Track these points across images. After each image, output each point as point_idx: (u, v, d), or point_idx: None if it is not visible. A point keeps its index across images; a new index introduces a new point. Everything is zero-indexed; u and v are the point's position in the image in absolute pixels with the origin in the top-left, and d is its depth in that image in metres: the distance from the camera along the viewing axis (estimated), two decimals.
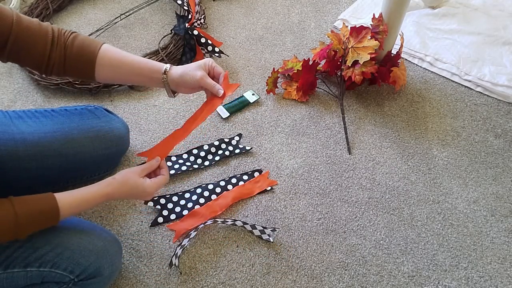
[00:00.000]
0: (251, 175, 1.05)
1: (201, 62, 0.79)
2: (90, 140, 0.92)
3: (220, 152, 1.10)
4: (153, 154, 0.85)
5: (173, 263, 0.88)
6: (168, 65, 0.79)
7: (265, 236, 0.94)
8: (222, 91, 0.79)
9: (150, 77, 0.79)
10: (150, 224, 0.97)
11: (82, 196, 0.75)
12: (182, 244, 0.91)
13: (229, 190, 1.02)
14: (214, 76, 0.81)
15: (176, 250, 0.89)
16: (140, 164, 1.07)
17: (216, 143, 1.11)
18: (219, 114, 1.18)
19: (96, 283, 0.77)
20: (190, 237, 0.92)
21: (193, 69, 0.78)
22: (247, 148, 1.10)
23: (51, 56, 0.74)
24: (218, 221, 0.94)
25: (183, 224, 0.97)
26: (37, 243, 0.72)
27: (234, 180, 1.04)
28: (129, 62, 0.79)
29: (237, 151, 1.10)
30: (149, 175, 0.83)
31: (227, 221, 0.94)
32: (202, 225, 0.95)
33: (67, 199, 0.72)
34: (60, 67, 0.76)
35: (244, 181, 1.04)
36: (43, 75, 0.77)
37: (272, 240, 0.94)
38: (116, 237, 0.85)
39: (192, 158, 1.08)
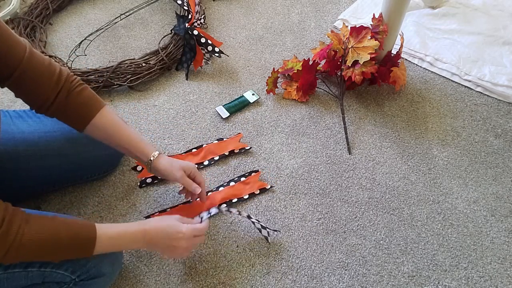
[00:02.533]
0: (248, 177, 1.05)
1: (184, 165, 0.87)
2: (90, 139, 0.92)
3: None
4: None
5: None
6: (156, 154, 0.85)
7: (264, 232, 0.93)
8: (199, 189, 0.88)
9: (137, 156, 0.85)
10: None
11: (120, 230, 0.75)
12: None
13: (218, 191, 1.02)
14: (194, 181, 0.89)
15: None
16: (133, 167, 1.07)
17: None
18: (219, 114, 1.18)
19: (97, 283, 0.77)
20: None
21: (175, 169, 0.85)
22: (247, 148, 1.11)
23: (51, 99, 0.74)
24: (222, 209, 0.91)
25: None
26: None
27: (232, 184, 1.04)
28: (121, 136, 0.83)
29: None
30: None
31: (231, 210, 0.91)
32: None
33: (106, 231, 0.72)
34: (55, 113, 0.77)
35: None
36: (34, 111, 0.78)
37: (269, 240, 0.94)
38: None
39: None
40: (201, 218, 0.86)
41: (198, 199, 0.93)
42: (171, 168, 0.85)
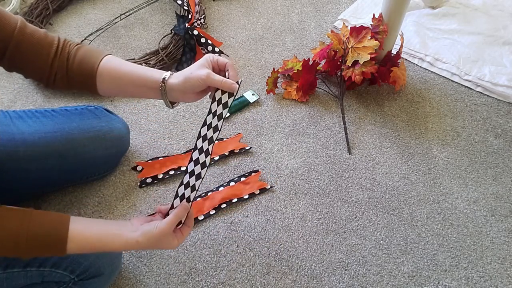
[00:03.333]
0: (247, 177, 1.05)
1: (202, 60, 0.69)
2: (90, 140, 0.92)
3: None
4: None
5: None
6: (168, 73, 0.70)
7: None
8: (236, 86, 0.68)
9: (151, 87, 0.71)
10: None
11: (97, 224, 0.68)
12: None
13: (218, 191, 1.02)
14: (220, 70, 0.71)
15: None
16: (133, 167, 1.07)
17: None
18: None
19: (96, 283, 0.77)
20: None
21: (196, 69, 0.68)
22: (247, 148, 1.10)
23: (53, 67, 0.70)
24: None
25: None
26: None
27: (232, 184, 1.04)
28: (128, 72, 0.72)
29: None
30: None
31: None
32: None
33: (81, 231, 0.65)
34: (63, 79, 0.72)
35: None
36: (48, 87, 0.72)
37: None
38: None
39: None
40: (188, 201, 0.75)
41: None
42: (191, 72, 0.68)
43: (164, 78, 0.69)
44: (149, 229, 0.67)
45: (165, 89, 0.70)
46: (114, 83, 0.72)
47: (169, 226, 0.69)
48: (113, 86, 0.73)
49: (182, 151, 1.11)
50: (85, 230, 0.65)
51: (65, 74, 0.71)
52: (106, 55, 0.73)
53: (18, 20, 0.69)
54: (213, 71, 0.69)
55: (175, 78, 0.69)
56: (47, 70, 0.71)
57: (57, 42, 0.72)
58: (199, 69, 0.67)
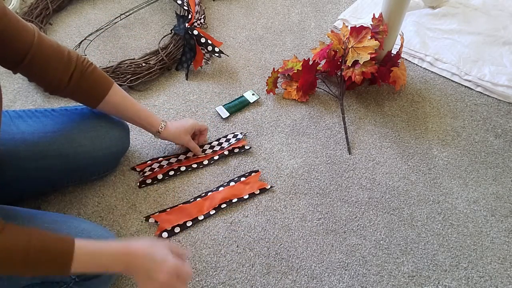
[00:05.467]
0: (247, 176, 1.05)
1: (188, 127, 1.02)
2: (90, 140, 0.92)
3: (218, 147, 1.10)
4: (162, 219, 0.97)
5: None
6: (163, 125, 0.97)
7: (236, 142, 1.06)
8: (202, 154, 1.08)
9: (147, 128, 0.97)
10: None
11: (100, 246, 0.68)
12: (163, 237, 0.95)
13: (218, 191, 1.02)
14: (200, 132, 1.08)
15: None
16: (133, 167, 1.07)
17: (215, 143, 1.12)
18: (219, 114, 1.18)
19: (97, 283, 0.77)
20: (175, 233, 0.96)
21: (183, 134, 1.01)
22: (246, 147, 1.10)
23: (65, 79, 0.79)
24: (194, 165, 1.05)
25: (168, 216, 0.97)
26: None
27: (232, 184, 1.04)
28: (132, 110, 0.93)
29: (233, 140, 1.11)
30: None
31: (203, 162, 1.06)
32: (190, 223, 0.97)
33: (85, 247, 0.66)
34: (70, 91, 0.83)
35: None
36: (50, 94, 0.83)
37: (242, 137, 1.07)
38: (116, 237, 0.85)
39: (190, 155, 1.09)
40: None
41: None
42: (178, 134, 1.00)
43: (161, 128, 0.97)
44: (147, 242, 0.73)
45: (159, 135, 0.99)
46: (116, 112, 0.93)
47: (166, 247, 0.74)
48: (114, 113, 0.94)
49: (182, 151, 1.10)
50: (88, 245, 0.67)
51: (76, 88, 0.82)
52: (113, 84, 0.88)
53: (35, 31, 0.74)
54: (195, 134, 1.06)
55: (167, 130, 0.98)
56: (58, 80, 0.79)
57: (69, 55, 0.80)
58: (184, 135, 1.02)
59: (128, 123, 0.99)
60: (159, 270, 0.69)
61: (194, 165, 1.07)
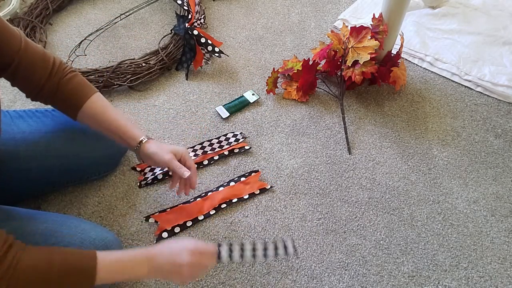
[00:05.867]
0: (247, 176, 1.05)
1: (174, 149, 0.84)
2: (90, 140, 0.92)
3: (217, 147, 1.10)
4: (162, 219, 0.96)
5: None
6: (145, 138, 0.83)
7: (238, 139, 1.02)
8: (188, 173, 0.83)
9: (126, 141, 0.83)
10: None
11: (122, 255, 0.69)
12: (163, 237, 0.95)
13: (218, 191, 1.02)
14: (184, 165, 0.85)
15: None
16: (133, 167, 1.07)
17: (215, 141, 1.12)
18: (219, 114, 1.18)
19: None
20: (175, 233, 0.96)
21: (165, 152, 0.82)
22: (246, 147, 1.10)
23: (44, 87, 0.77)
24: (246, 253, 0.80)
25: (168, 216, 0.97)
26: (38, 243, 0.72)
27: (232, 184, 1.04)
28: (110, 121, 0.82)
29: (233, 139, 1.11)
30: None
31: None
32: (190, 223, 0.97)
33: (107, 259, 0.66)
34: (48, 99, 0.79)
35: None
36: (32, 100, 0.81)
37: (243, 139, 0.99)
38: (116, 237, 0.85)
39: (192, 155, 1.09)
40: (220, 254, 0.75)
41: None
42: (160, 151, 0.82)
43: (141, 141, 0.83)
44: (167, 243, 0.73)
45: (138, 149, 0.83)
46: (94, 123, 0.82)
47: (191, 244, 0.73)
48: (93, 124, 0.83)
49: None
50: (110, 255, 0.67)
51: (52, 96, 0.79)
52: (94, 94, 0.81)
53: (21, 38, 0.74)
54: (179, 161, 0.84)
55: (148, 146, 0.82)
56: (37, 89, 0.77)
57: (52, 64, 0.77)
58: (166, 153, 0.82)
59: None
60: (182, 256, 0.70)
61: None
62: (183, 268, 0.69)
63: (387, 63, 1.18)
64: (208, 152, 1.09)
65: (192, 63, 1.29)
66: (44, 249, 0.63)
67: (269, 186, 1.03)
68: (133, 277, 0.77)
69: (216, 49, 1.26)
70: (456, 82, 1.27)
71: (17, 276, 0.57)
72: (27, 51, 0.73)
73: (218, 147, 1.10)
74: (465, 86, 1.26)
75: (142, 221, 0.98)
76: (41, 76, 0.76)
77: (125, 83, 1.22)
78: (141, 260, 0.69)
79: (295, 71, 1.22)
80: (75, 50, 1.34)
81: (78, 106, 0.79)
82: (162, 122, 1.18)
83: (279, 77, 1.24)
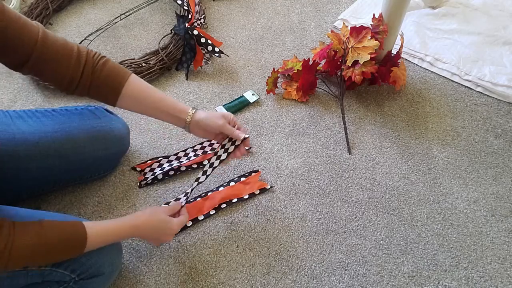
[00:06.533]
0: (248, 177, 1.05)
1: (225, 113, 0.85)
2: (90, 140, 0.92)
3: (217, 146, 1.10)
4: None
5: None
6: (193, 109, 0.83)
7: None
8: (243, 136, 0.84)
9: (175, 116, 0.82)
10: None
11: (110, 226, 0.76)
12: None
13: (218, 191, 1.02)
14: (234, 127, 0.87)
15: None
16: (133, 167, 1.07)
17: (214, 141, 1.12)
18: None
19: (97, 282, 0.77)
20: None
21: (217, 117, 0.83)
22: (246, 147, 1.10)
23: (75, 76, 0.74)
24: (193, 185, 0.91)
25: None
26: None
27: (232, 184, 1.04)
28: (155, 97, 0.81)
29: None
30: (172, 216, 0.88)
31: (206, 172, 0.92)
32: (190, 223, 0.97)
33: (95, 228, 0.73)
34: (84, 89, 0.76)
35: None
36: (66, 93, 0.79)
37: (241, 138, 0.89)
38: None
39: (191, 155, 1.09)
40: (181, 202, 0.91)
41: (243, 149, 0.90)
42: (212, 117, 0.83)
43: (190, 115, 0.82)
44: (147, 209, 0.84)
45: (190, 121, 0.83)
46: (137, 103, 0.81)
47: (160, 208, 0.85)
48: (136, 105, 0.81)
49: (180, 150, 1.10)
50: (98, 226, 0.74)
51: (89, 84, 0.76)
52: (130, 75, 0.79)
53: (39, 29, 0.71)
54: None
55: (198, 114, 0.83)
56: (69, 78, 0.74)
57: (79, 52, 0.75)
58: (218, 118, 0.83)
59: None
60: (167, 234, 0.85)
61: (194, 166, 1.07)
62: (164, 240, 0.88)
63: (387, 63, 1.18)
64: (208, 152, 1.09)
65: (192, 63, 1.29)
66: (35, 224, 0.66)
67: (269, 186, 1.03)
68: (117, 241, 0.85)
69: (216, 49, 1.26)
70: (456, 82, 1.27)
71: (13, 254, 0.61)
72: (46, 43, 0.71)
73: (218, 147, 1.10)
74: (465, 86, 1.26)
75: None
76: (68, 66, 0.73)
77: None
78: (125, 230, 0.78)
79: (295, 71, 1.22)
80: None
81: (118, 91, 0.78)
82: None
83: (279, 77, 1.24)
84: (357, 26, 1.14)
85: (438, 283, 0.89)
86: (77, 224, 0.71)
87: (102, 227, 0.75)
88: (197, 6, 1.39)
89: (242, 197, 1.01)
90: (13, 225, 0.63)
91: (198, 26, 1.36)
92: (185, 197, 0.91)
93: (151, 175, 1.04)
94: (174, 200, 0.99)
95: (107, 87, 0.77)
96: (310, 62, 1.20)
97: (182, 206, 0.90)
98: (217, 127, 0.83)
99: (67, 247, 0.69)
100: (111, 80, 0.77)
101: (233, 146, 0.87)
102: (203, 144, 1.11)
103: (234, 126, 0.86)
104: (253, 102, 1.22)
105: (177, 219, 0.86)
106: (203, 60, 1.30)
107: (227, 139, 0.87)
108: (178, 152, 1.09)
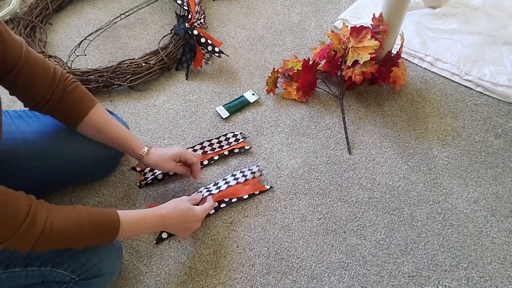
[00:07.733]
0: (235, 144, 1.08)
1: (173, 154, 0.92)
2: (90, 140, 0.92)
3: (217, 147, 1.10)
4: None
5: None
6: (145, 150, 0.90)
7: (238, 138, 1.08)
8: (194, 174, 0.97)
9: (128, 152, 0.91)
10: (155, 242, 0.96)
11: (139, 216, 0.78)
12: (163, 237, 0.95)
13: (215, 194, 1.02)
14: (185, 163, 0.97)
15: None
16: (133, 167, 1.07)
17: (215, 141, 1.12)
18: (219, 114, 1.18)
19: (97, 283, 0.77)
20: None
21: (166, 162, 0.91)
22: (246, 147, 1.10)
23: (46, 97, 0.78)
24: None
25: None
26: None
27: (232, 179, 1.04)
28: (112, 132, 0.88)
29: (233, 139, 1.12)
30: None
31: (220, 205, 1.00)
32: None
33: (127, 217, 0.75)
34: (50, 109, 0.81)
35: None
36: (31, 109, 0.83)
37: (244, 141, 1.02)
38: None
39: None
40: (202, 194, 0.97)
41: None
42: (161, 163, 0.91)
43: (142, 153, 0.90)
44: (171, 201, 0.87)
45: (142, 160, 0.91)
46: (96, 133, 0.88)
47: (183, 198, 0.89)
48: (95, 135, 0.89)
49: None
50: (130, 216, 0.76)
51: (56, 105, 0.80)
52: (95, 104, 0.85)
53: (23, 46, 0.74)
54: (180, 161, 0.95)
55: (150, 157, 0.90)
56: (40, 97, 0.78)
57: (53, 74, 0.78)
58: (168, 162, 0.92)
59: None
60: (193, 221, 0.87)
61: None
62: (191, 229, 0.88)
63: (387, 63, 1.18)
64: (208, 152, 1.09)
65: (192, 63, 1.29)
66: (71, 209, 0.68)
67: (268, 187, 1.03)
68: (145, 233, 0.95)
69: (216, 49, 1.26)
70: (456, 82, 1.27)
71: (52, 237, 0.64)
72: (28, 60, 0.74)
73: (218, 147, 1.10)
74: (465, 86, 1.26)
75: None
76: (42, 85, 0.77)
77: (125, 83, 1.22)
78: (152, 220, 0.80)
79: (295, 71, 1.22)
80: (75, 50, 1.34)
81: (81, 116, 0.83)
82: (162, 122, 1.18)
83: (279, 77, 1.24)
84: (357, 26, 1.14)
85: (438, 283, 0.89)
86: (112, 212, 0.73)
87: (133, 216, 0.77)
88: (197, 6, 1.39)
89: (242, 197, 1.01)
90: (52, 210, 0.65)
91: (198, 26, 1.36)
92: (206, 190, 0.98)
93: (151, 175, 1.04)
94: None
95: (72, 112, 0.83)
96: (310, 62, 1.20)
97: (202, 198, 0.95)
98: (167, 171, 0.98)
99: (99, 234, 0.71)
100: (77, 106, 0.82)
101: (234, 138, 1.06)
102: (203, 144, 1.11)
103: (184, 160, 0.95)
104: (253, 102, 1.22)
105: (200, 206, 0.90)
106: (203, 60, 1.30)
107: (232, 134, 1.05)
108: None
